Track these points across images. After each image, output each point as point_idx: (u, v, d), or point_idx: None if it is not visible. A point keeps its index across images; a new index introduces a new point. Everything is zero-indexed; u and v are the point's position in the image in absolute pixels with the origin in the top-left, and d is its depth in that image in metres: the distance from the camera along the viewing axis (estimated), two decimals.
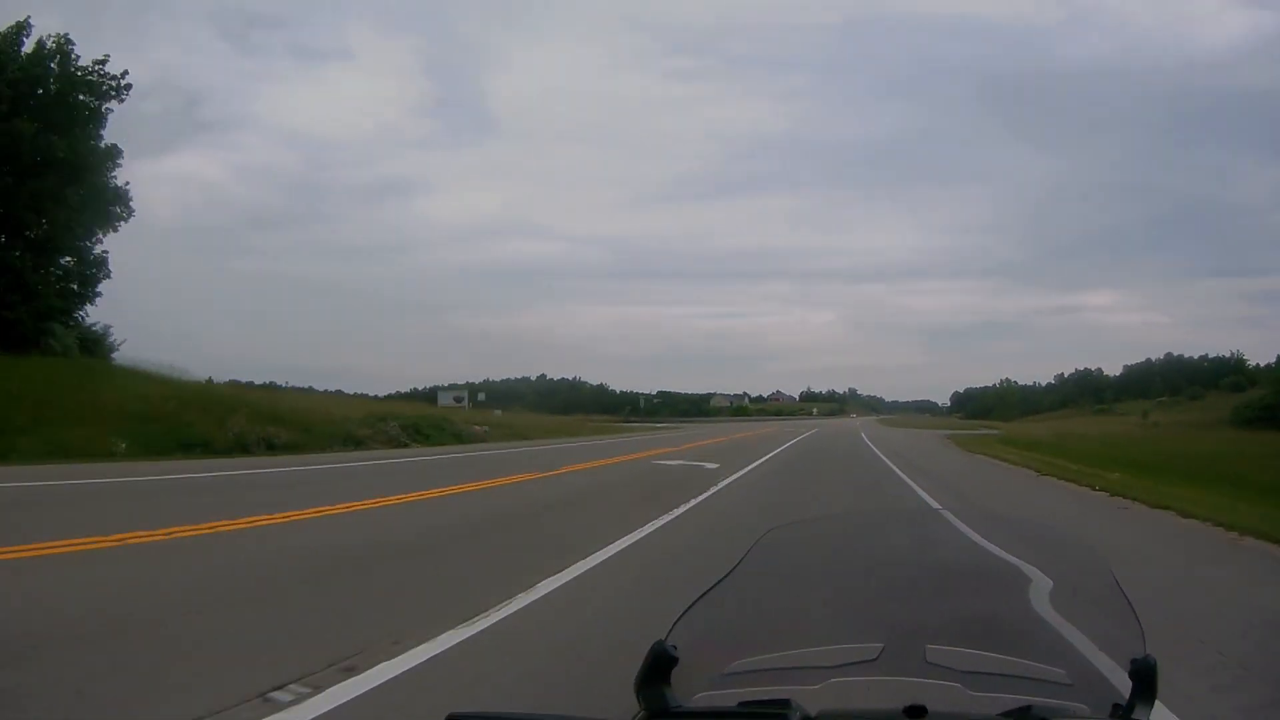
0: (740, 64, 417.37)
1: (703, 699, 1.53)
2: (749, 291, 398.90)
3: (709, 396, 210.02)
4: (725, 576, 1.89)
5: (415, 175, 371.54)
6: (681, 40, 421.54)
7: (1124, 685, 1.51)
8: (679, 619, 1.68)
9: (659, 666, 1.49)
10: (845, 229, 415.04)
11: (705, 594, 1.79)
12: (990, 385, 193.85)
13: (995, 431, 62.74)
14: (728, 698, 1.49)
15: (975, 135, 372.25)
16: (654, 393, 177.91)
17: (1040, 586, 1.98)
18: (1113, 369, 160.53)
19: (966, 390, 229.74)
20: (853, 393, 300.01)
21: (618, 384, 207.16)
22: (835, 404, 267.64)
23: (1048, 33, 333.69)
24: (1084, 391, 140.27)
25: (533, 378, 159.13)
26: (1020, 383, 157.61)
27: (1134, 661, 1.50)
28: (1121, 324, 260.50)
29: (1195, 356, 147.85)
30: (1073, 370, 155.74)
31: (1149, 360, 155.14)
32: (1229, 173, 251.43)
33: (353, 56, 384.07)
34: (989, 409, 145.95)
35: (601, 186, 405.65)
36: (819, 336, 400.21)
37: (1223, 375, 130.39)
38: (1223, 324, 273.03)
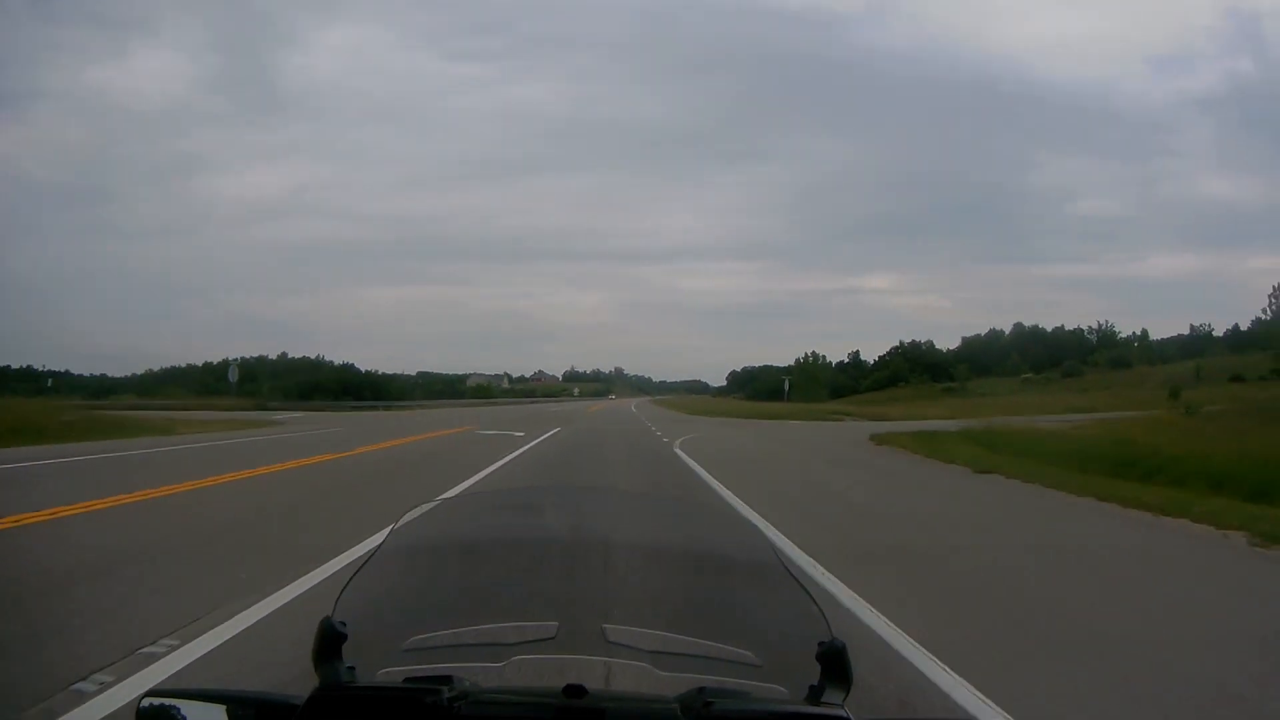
0: (530, 44, 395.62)
1: (384, 674, 1.53)
2: (525, 272, 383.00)
3: (466, 377, 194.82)
4: (377, 551, 1.83)
5: (205, 153, 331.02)
6: (473, 20, 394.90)
7: (816, 668, 1.48)
8: (341, 593, 1.65)
9: (328, 642, 1.48)
10: (622, 210, 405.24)
11: (361, 569, 1.75)
12: (771, 364, 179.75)
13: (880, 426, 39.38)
14: (403, 674, 1.47)
15: (765, 119, 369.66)
16: (414, 373, 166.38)
17: (725, 569, 1.99)
18: (947, 342, 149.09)
19: (745, 369, 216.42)
20: (620, 372, 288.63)
21: (390, 365, 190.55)
22: (601, 384, 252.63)
23: (848, 20, 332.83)
24: (915, 368, 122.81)
25: (272, 356, 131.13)
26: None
27: (821, 644, 1.49)
28: (902, 306, 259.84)
29: (1049, 329, 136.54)
30: (898, 344, 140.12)
31: (996, 332, 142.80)
32: (1023, 163, 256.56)
33: (152, 29, 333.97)
34: (777, 389, 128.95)
35: (387, 166, 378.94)
36: (590, 317, 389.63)
37: (1088, 350, 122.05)
38: (1007, 308, 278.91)
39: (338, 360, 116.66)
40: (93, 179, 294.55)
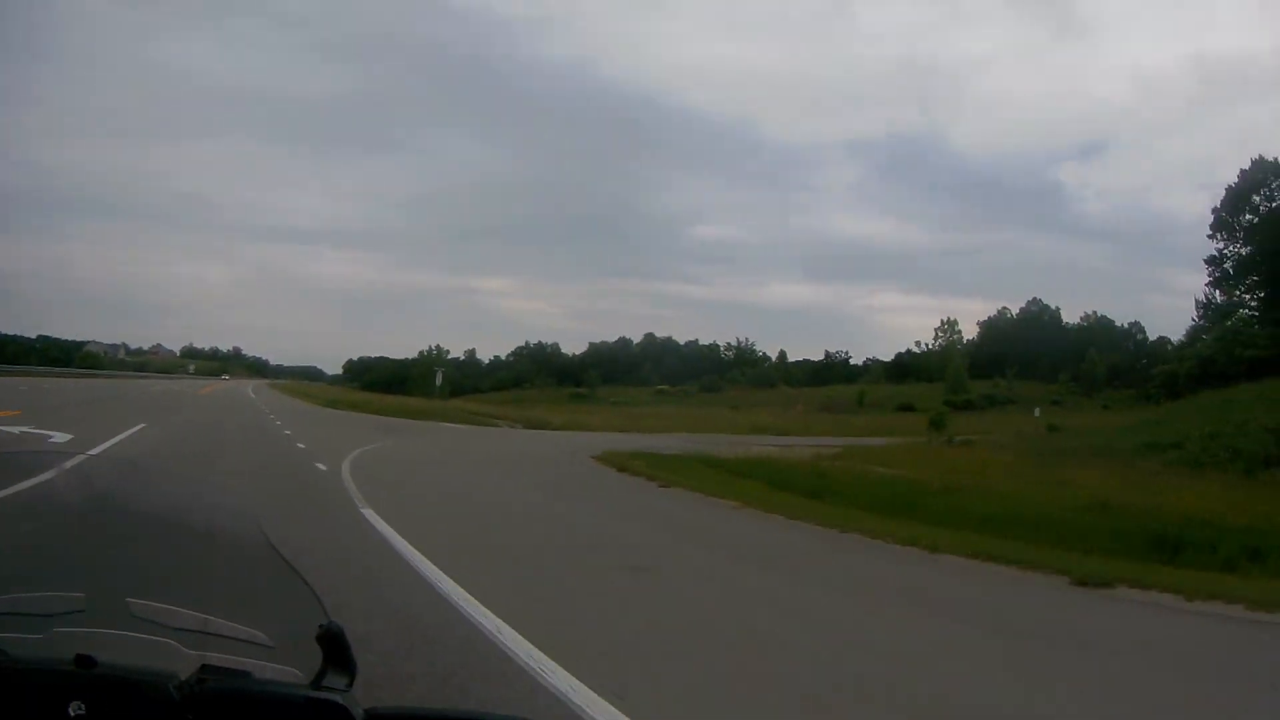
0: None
1: None
2: (147, 238, 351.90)
3: (84, 344, 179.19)
4: None
5: None
6: None
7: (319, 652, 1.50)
8: None
9: None
10: (259, 186, 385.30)
11: None
12: (392, 356, 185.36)
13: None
14: None
15: (409, 112, 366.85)
16: (35, 336, 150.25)
17: (244, 547, 1.96)
18: (573, 347, 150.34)
19: (362, 359, 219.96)
20: (237, 352, 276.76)
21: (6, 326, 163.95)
22: (218, 363, 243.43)
23: (510, 26, 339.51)
24: (543, 370, 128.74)
25: None
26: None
27: (321, 627, 1.50)
28: (514, 309, 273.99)
29: (683, 341, 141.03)
30: (524, 344, 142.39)
31: (626, 340, 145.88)
32: (656, 185, 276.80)
33: None
34: (399, 381, 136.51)
35: (29, 109, 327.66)
36: (210, 292, 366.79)
37: (725, 367, 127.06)
38: (632, 322, 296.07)
39: None
40: None
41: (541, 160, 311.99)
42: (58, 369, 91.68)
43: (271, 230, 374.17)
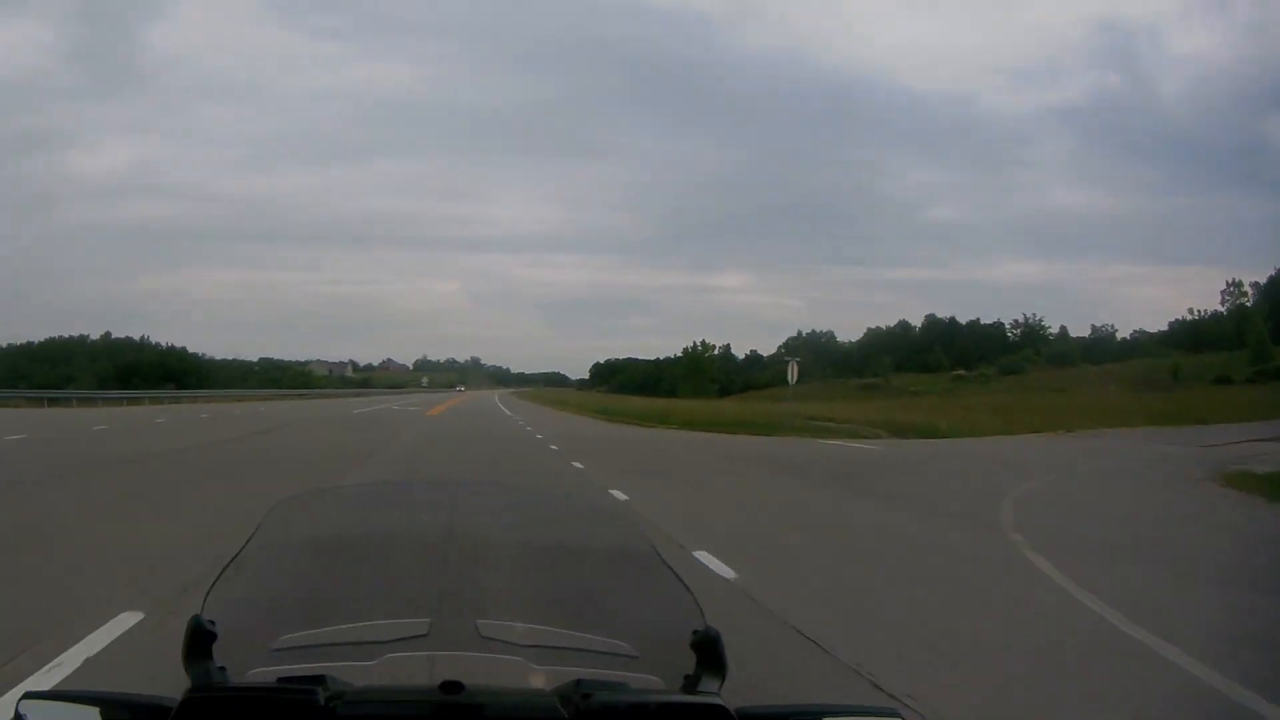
0: (384, 25, 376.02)
1: (255, 674, 1.50)
2: (373, 258, 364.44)
3: (307, 364, 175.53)
4: (245, 546, 1.80)
5: (57, 127, 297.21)
6: None
7: (690, 657, 1.48)
8: (209, 592, 1.62)
9: (198, 641, 1.44)
10: (475, 198, 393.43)
11: (229, 564, 1.73)
12: (639, 357, 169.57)
13: None
14: (274, 674, 1.43)
15: (616, 114, 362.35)
16: (256, 359, 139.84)
17: (598, 561, 2.00)
18: (850, 334, 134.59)
19: (609, 361, 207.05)
20: (476, 362, 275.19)
21: (230, 351, 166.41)
22: (456, 374, 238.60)
23: (710, 21, 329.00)
24: (818, 361, 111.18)
25: (94, 336, 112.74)
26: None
27: (695, 633, 1.50)
28: (755, 304, 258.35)
29: (964, 322, 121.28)
30: (796, 333, 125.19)
31: (906, 324, 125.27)
32: (879, 170, 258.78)
33: None
34: (653, 382, 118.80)
35: (236, 144, 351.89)
36: (442, 305, 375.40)
37: (1012, 347, 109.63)
38: (855, 310, 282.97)
39: (171, 344, 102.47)
40: None
41: (762, 153, 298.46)
42: (252, 390, 79.69)
43: (493, 241, 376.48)
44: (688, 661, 1.48)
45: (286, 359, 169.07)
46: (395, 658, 1.54)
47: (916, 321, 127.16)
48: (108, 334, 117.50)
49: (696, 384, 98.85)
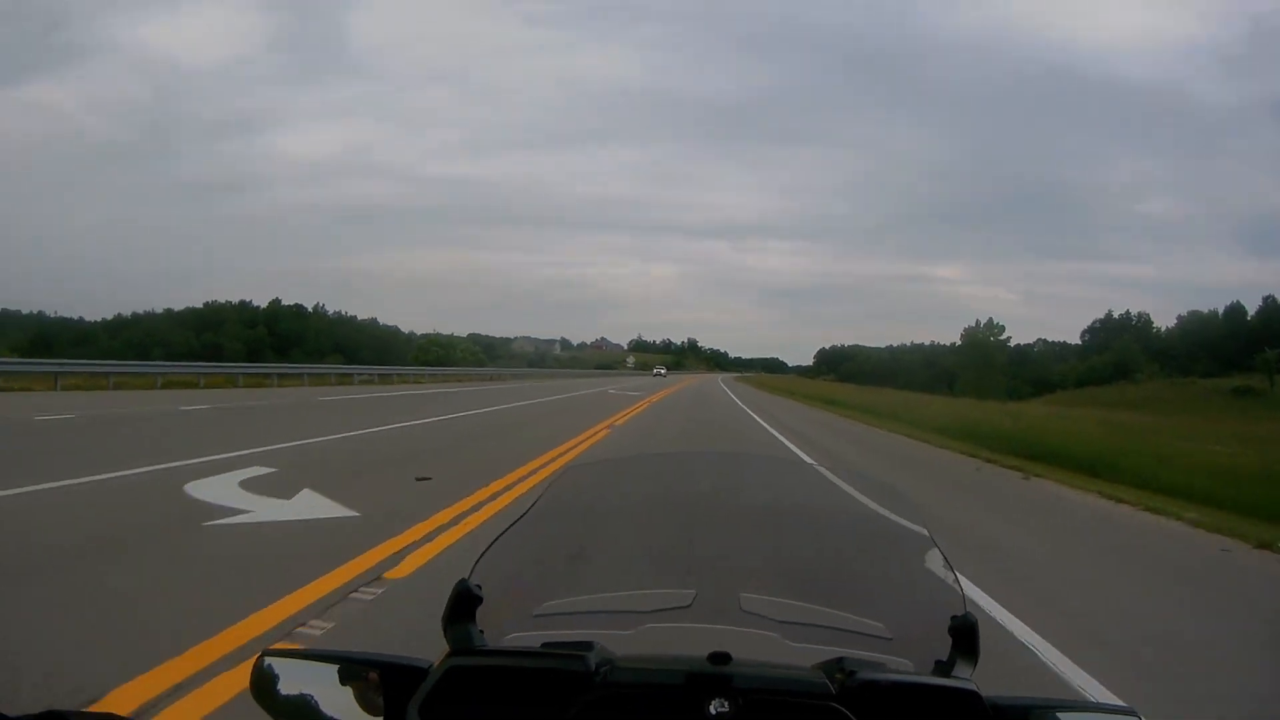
0: (596, 12, 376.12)
1: (512, 639, 1.51)
2: (590, 242, 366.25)
3: (509, 341, 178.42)
4: (525, 514, 1.80)
5: (267, 111, 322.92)
6: None
7: (945, 642, 1.46)
8: (480, 557, 1.60)
9: (463, 605, 1.45)
10: (690, 184, 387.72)
11: (505, 532, 1.72)
12: (861, 344, 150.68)
13: None
14: (535, 639, 1.44)
15: (831, 101, 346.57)
16: (466, 334, 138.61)
17: (862, 537, 1.99)
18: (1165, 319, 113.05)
19: (835, 348, 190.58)
20: (692, 344, 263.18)
21: (444, 327, 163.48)
22: (671, 356, 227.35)
23: (918, 5, 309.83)
24: (1137, 355, 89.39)
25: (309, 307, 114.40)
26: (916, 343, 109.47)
27: (954, 619, 1.47)
28: (968, 295, 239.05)
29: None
30: (1107, 315, 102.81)
31: (1236, 307, 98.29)
32: (1097, 160, 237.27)
33: None
34: (887, 373, 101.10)
35: (448, 129, 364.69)
36: (657, 289, 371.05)
37: None
38: (1070, 304, 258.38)
39: (387, 321, 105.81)
40: (154, 136, 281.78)
41: (976, 142, 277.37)
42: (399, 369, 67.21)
43: (709, 227, 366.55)
44: (941, 647, 1.45)
45: (496, 336, 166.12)
46: (654, 628, 1.53)
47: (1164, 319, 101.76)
48: (319, 305, 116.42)
49: (983, 379, 75.98)
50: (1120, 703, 2.61)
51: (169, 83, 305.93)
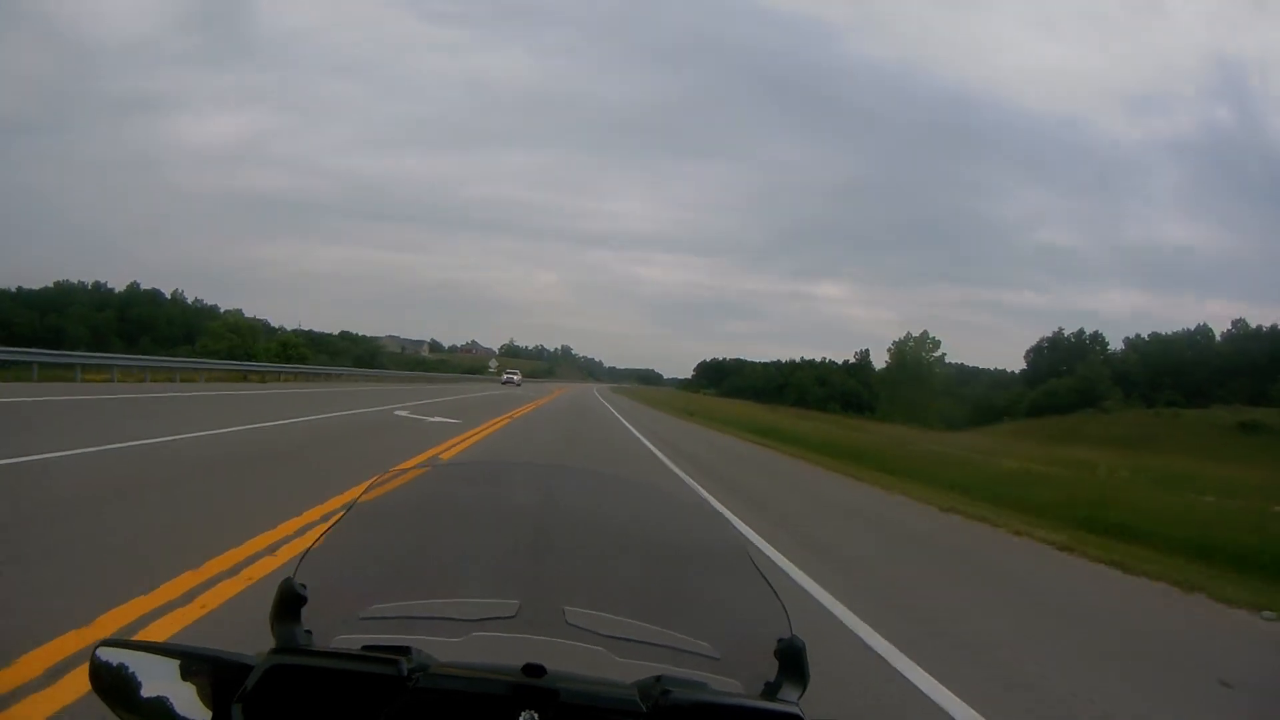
0: (503, 14, 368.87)
1: (339, 641, 1.49)
2: (471, 244, 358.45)
3: (376, 339, 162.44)
4: (346, 513, 1.79)
5: (168, 93, 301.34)
6: None
7: (773, 664, 1.44)
8: (303, 556, 1.59)
9: (287, 604, 1.44)
10: (586, 193, 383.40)
11: (328, 531, 1.72)
12: (743, 359, 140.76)
13: None
14: (358, 642, 1.42)
15: (732, 116, 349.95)
16: (338, 333, 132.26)
17: (688, 557, 1.96)
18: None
19: (715, 361, 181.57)
20: (566, 351, 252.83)
21: (316, 324, 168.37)
22: (544, 363, 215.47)
23: (832, 30, 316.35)
24: (1090, 378, 76.58)
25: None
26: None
27: (780, 641, 1.46)
28: (851, 316, 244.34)
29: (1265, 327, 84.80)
30: (1058, 331, 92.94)
31: (1202, 330, 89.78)
32: (988, 190, 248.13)
33: None
34: (775, 389, 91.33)
35: (345, 123, 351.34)
36: (537, 295, 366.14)
37: None
38: (952, 328, 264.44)
39: (257, 314, 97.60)
40: (52, 111, 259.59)
41: (871, 165, 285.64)
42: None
43: (598, 236, 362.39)
44: (770, 668, 1.44)
45: (367, 334, 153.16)
46: (481, 636, 1.53)
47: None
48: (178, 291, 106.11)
49: (913, 399, 63.75)
50: None
51: (73, 59, 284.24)
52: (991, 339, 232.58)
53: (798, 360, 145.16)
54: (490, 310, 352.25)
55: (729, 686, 1.45)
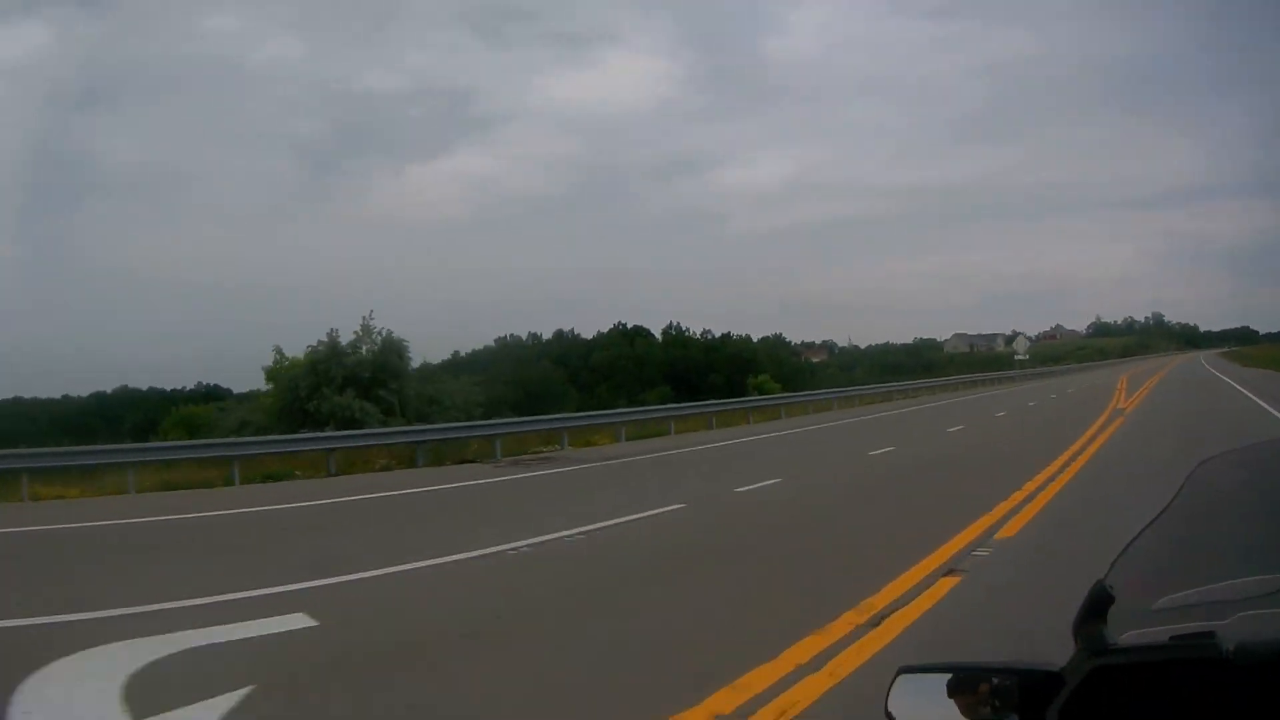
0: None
1: (1131, 636, 1.40)
2: (1037, 228, 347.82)
3: (944, 341, 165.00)
4: (1161, 513, 1.83)
5: (702, 149, 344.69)
6: None
7: None
8: (1118, 558, 1.65)
9: (1097, 606, 1.40)
10: (1132, 155, 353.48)
11: (1142, 532, 1.76)
12: None
13: None
14: (1158, 634, 1.36)
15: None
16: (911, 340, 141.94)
17: None
18: None
19: None
20: (1158, 320, 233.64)
21: (924, 334, 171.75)
22: (1133, 337, 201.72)
23: None
24: None
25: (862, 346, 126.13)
26: None
27: None
28: None
29: None
30: None
31: None
32: None
33: (618, 38, 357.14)
34: None
35: (884, 136, 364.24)
36: (1114, 270, 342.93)
37: None
38: None
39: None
40: (588, 188, 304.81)
41: None
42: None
43: (1154, 198, 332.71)
44: None
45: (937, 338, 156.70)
46: (1247, 615, 1.33)
47: None
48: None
49: None
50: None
51: (597, 137, 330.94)
52: None
53: None
54: (1066, 294, 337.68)
55: None
